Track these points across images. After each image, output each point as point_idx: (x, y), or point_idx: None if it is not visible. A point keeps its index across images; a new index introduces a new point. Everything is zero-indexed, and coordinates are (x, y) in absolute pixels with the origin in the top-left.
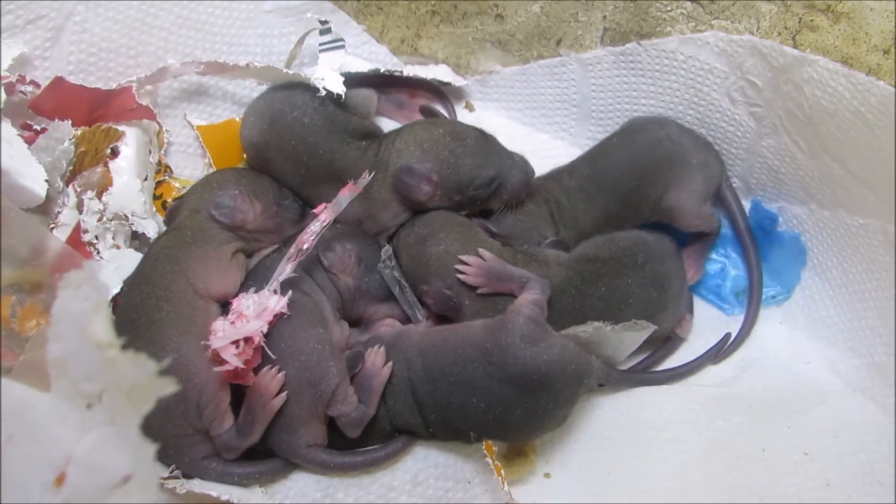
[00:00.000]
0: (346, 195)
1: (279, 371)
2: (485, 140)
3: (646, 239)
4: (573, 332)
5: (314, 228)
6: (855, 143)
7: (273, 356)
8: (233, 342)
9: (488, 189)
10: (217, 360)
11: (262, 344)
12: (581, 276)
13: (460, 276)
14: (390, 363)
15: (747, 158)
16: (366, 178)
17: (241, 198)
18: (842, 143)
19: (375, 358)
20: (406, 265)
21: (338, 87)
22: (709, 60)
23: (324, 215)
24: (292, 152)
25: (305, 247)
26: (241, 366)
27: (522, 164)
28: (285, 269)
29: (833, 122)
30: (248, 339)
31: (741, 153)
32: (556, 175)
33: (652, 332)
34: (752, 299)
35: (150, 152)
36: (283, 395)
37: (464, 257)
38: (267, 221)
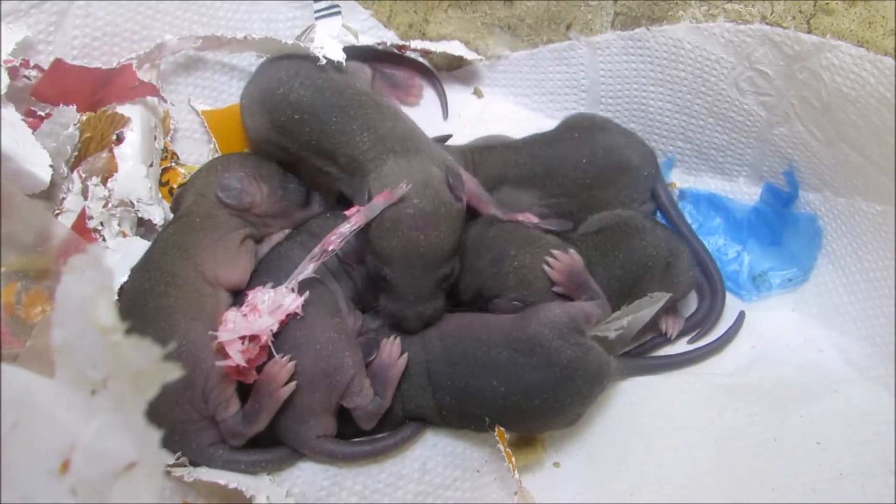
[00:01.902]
0: (380, 202)
1: (290, 360)
2: (437, 258)
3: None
4: (602, 334)
5: (343, 230)
6: (877, 129)
7: (277, 355)
8: (240, 338)
9: (376, 276)
10: (222, 353)
11: (269, 343)
12: (598, 250)
13: (546, 268)
14: (406, 354)
15: (758, 147)
16: (403, 188)
17: (248, 180)
18: (862, 129)
19: (391, 349)
20: (480, 284)
21: (337, 55)
22: (715, 51)
23: (354, 218)
24: (283, 130)
25: (331, 248)
26: (244, 364)
27: (416, 316)
28: (307, 269)
29: (854, 108)
30: (254, 337)
31: (752, 142)
32: (498, 148)
33: (667, 299)
34: (713, 284)
35: (155, 138)
36: (292, 384)
37: (556, 252)
38: (274, 205)
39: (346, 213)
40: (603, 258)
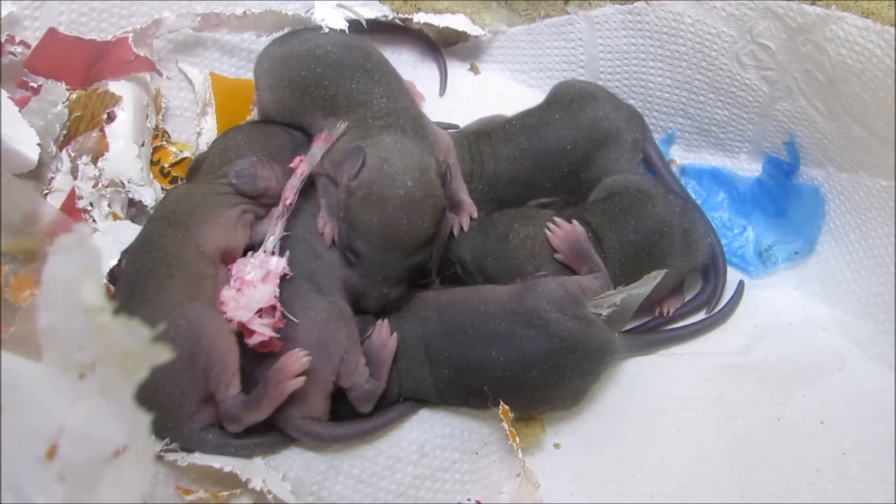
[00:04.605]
0: (319, 146)
1: (307, 356)
2: (414, 245)
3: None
4: (595, 310)
5: (293, 183)
6: (883, 103)
7: (293, 318)
8: (256, 312)
9: (346, 247)
10: (245, 332)
11: (282, 309)
12: (607, 216)
13: (547, 233)
14: (395, 335)
15: (759, 122)
16: (340, 127)
17: (261, 164)
18: (867, 103)
19: (381, 330)
20: (491, 268)
21: (339, 24)
22: (716, 25)
23: (300, 168)
24: (299, 86)
25: (289, 202)
26: (274, 334)
27: (379, 296)
28: (276, 230)
29: (859, 81)
30: (266, 308)
31: (753, 117)
32: (493, 136)
33: (662, 275)
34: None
35: (147, 117)
36: (301, 379)
37: (559, 220)
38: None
39: (291, 164)
40: (613, 224)
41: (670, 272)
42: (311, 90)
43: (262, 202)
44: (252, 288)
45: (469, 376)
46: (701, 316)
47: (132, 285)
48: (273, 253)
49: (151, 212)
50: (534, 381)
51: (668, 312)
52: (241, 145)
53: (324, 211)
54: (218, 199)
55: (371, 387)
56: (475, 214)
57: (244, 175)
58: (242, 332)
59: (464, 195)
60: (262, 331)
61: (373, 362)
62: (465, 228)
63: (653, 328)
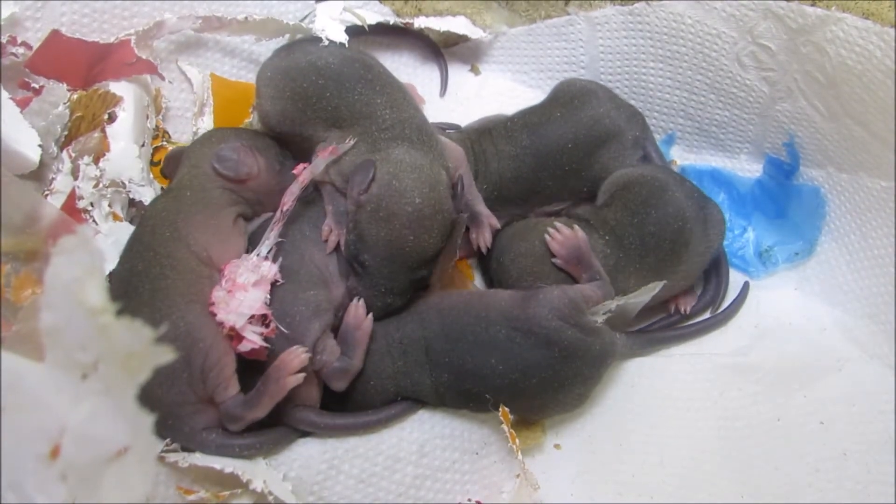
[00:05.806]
0: (325, 157)
1: (305, 352)
2: (420, 260)
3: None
4: (592, 317)
5: (294, 190)
6: (883, 103)
7: (283, 329)
8: (249, 319)
9: (353, 258)
10: (235, 338)
11: (273, 320)
12: (627, 209)
13: (547, 237)
14: (371, 315)
15: (760, 123)
16: (349, 143)
17: (245, 150)
18: (867, 104)
19: (356, 311)
20: (491, 279)
21: (339, 36)
22: (716, 26)
23: (302, 176)
24: (301, 97)
25: (286, 209)
26: (264, 344)
27: (383, 306)
28: (271, 235)
29: (859, 82)
30: (259, 316)
31: (753, 118)
32: (494, 133)
33: (662, 285)
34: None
35: (147, 117)
36: (301, 375)
37: (559, 225)
38: (271, 181)
39: (294, 171)
40: (633, 217)
41: (693, 262)
42: (312, 102)
43: (246, 196)
44: (243, 291)
45: (469, 382)
46: (703, 316)
47: (126, 285)
48: (266, 258)
49: (148, 205)
50: (533, 389)
51: (685, 310)
52: (228, 133)
53: (330, 218)
54: (206, 196)
55: (342, 364)
56: (497, 224)
57: (227, 159)
58: (232, 336)
59: (480, 206)
60: (254, 339)
61: (346, 343)
62: (489, 244)
63: (656, 329)
